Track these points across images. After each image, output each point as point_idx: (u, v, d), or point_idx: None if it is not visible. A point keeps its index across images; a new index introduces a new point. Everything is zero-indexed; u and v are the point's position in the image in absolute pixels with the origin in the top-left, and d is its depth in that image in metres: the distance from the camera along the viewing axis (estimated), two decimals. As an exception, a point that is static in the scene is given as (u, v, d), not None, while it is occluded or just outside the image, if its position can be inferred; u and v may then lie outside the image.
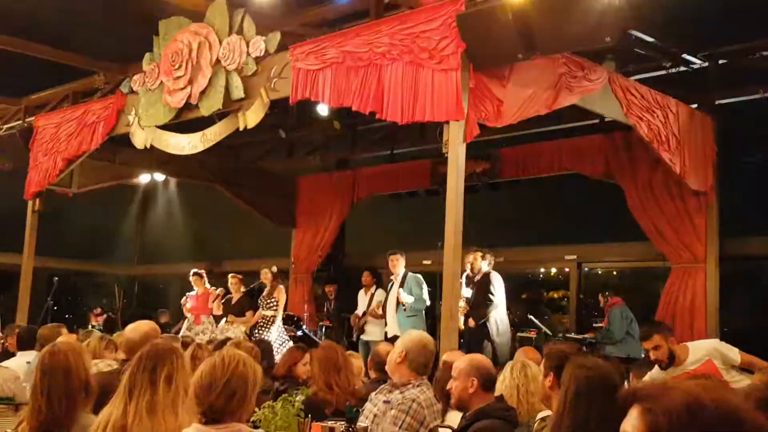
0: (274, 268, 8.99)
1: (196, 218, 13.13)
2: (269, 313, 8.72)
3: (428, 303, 7.99)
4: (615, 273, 10.33)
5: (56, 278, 9.82)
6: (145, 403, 2.84)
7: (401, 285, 8.00)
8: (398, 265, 8.07)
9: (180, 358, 2.97)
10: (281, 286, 8.95)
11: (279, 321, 8.77)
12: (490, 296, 7.00)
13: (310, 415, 3.37)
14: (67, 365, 3.06)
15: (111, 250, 13.76)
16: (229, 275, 9.30)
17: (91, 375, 3.21)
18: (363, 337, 8.63)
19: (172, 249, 13.42)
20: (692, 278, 7.41)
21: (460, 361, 3.46)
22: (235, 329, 8.59)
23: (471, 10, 5.48)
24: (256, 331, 8.60)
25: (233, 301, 9.05)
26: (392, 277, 8.21)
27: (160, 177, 11.20)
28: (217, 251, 12.74)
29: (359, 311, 8.81)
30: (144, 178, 11.19)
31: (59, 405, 2.99)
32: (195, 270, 9.65)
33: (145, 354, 2.94)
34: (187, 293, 9.72)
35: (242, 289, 9.09)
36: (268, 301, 8.76)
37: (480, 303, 7.09)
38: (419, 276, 8.07)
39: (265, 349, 5.49)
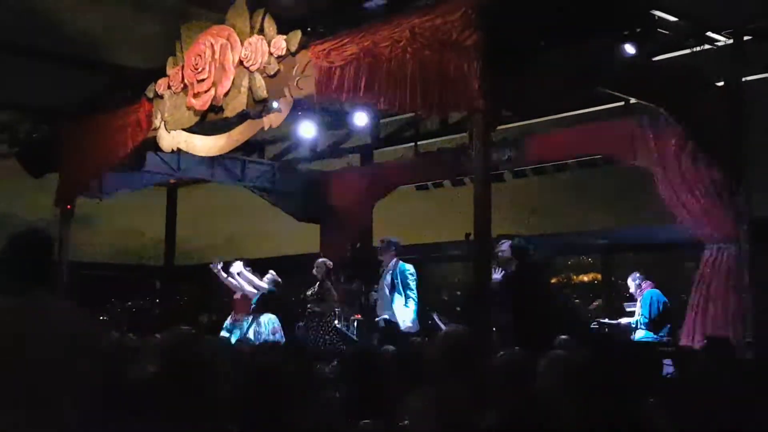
0: (330, 263, 8.91)
1: (225, 215, 13.26)
2: (319, 308, 8.65)
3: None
4: (645, 257, 10.25)
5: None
6: None
7: (394, 274, 8.32)
8: (383, 254, 8.41)
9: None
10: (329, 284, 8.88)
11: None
12: None
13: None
14: None
15: (144, 250, 13.95)
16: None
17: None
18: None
19: (206, 246, 13.57)
20: (724, 259, 7.33)
21: None
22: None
23: (491, 1, 5.47)
24: (310, 329, 8.55)
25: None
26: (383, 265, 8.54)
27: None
28: (247, 247, 12.85)
29: None
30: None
31: None
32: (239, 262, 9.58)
33: None
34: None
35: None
36: (320, 296, 8.67)
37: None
38: (410, 267, 8.35)
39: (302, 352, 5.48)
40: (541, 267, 7.41)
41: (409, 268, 8.38)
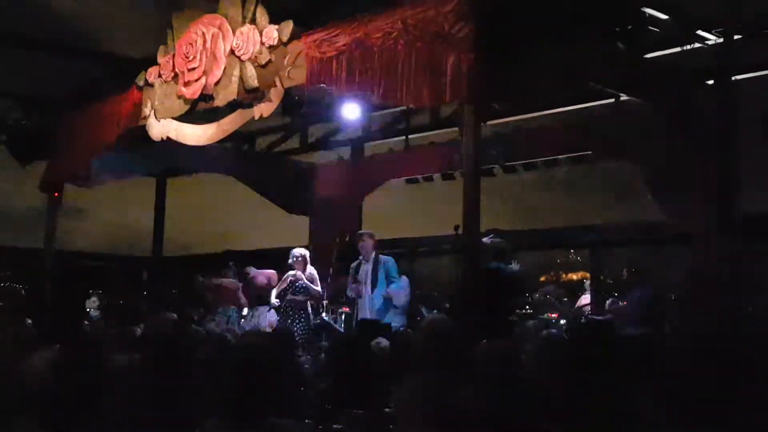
0: (306, 253, 9.06)
1: (215, 207, 13.21)
2: (301, 298, 8.80)
3: None
4: (634, 252, 10.29)
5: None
6: None
7: (375, 266, 8.37)
8: (365, 246, 8.48)
9: None
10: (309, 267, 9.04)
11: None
12: None
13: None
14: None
15: (131, 242, 13.90)
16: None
17: None
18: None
19: (194, 238, 13.53)
20: (712, 253, 7.35)
21: None
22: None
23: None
24: (289, 319, 8.65)
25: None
26: (361, 258, 8.58)
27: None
28: (236, 239, 12.83)
29: None
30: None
31: None
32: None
33: None
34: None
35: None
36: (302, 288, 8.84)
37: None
38: (390, 258, 8.49)
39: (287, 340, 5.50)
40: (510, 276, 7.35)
41: (391, 258, 8.49)
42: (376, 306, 8.26)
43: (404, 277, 8.57)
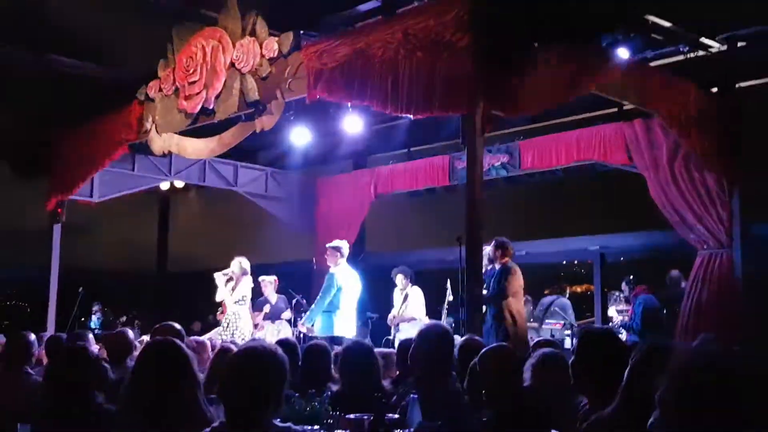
0: (245, 261, 8.81)
1: (218, 222, 13.20)
2: (238, 308, 8.65)
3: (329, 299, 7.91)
4: (638, 263, 10.21)
5: (81, 288, 9.91)
6: None
7: None
8: (329, 261, 8.12)
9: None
10: (247, 277, 8.80)
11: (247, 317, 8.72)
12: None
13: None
14: None
15: (135, 257, 13.88)
16: (261, 278, 9.19)
17: None
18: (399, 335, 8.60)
19: (198, 254, 13.49)
20: (717, 265, 7.29)
21: None
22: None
23: (484, 2, 5.45)
24: (228, 330, 8.50)
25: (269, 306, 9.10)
26: None
27: (179, 183, 11.25)
28: (242, 253, 12.78)
29: (394, 311, 8.80)
30: (164, 185, 11.23)
31: None
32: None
33: None
34: None
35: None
36: (241, 296, 8.71)
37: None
38: (335, 271, 8.01)
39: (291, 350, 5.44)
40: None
41: (335, 272, 7.99)
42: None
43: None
